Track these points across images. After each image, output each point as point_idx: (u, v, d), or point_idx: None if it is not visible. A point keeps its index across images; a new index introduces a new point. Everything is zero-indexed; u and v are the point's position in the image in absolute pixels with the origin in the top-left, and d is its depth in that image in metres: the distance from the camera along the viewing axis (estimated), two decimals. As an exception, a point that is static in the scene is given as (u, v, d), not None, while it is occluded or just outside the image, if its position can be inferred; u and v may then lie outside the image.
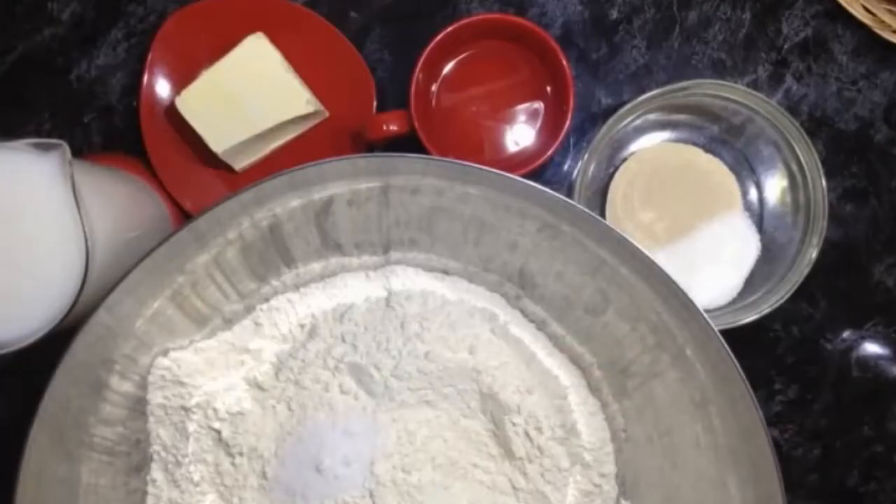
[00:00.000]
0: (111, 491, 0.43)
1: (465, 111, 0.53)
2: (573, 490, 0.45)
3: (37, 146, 0.41)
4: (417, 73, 0.50)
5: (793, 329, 0.56)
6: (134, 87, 0.55)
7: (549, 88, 0.53)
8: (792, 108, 0.55)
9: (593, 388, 0.47)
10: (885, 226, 0.55)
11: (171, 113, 0.52)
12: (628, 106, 0.50)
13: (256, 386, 0.44)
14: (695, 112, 0.54)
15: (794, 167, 0.52)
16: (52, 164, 0.41)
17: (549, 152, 0.50)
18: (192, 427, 0.43)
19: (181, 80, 0.53)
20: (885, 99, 0.55)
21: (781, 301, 0.50)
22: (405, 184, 0.42)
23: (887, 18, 0.54)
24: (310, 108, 0.52)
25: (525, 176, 0.43)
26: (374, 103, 0.54)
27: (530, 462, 0.44)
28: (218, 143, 0.51)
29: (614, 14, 0.55)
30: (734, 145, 0.54)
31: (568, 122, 0.50)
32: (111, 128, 0.56)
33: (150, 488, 0.43)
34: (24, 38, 0.55)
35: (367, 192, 0.42)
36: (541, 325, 0.47)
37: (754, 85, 0.55)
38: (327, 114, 0.55)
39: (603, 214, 0.54)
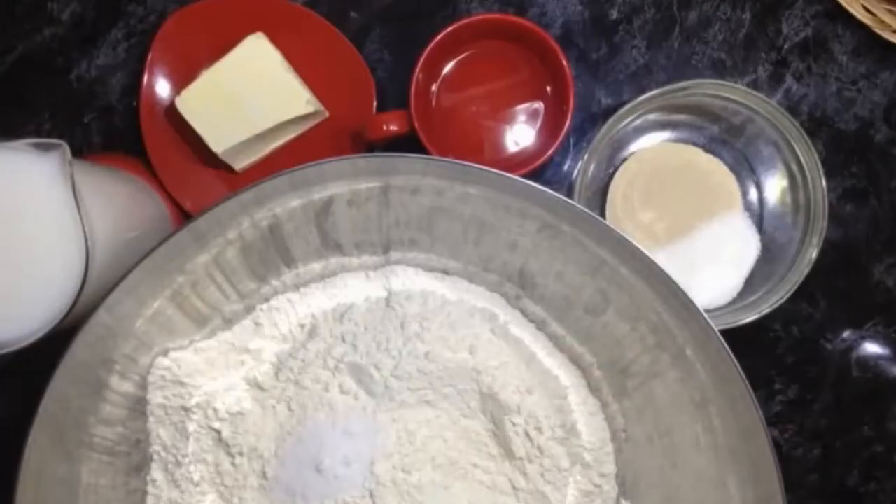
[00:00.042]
0: (111, 491, 0.43)
1: (465, 111, 0.53)
2: (573, 490, 0.45)
3: (37, 146, 0.41)
4: (417, 73, 0.50)
5: (793, 329, 0.56)
6: (134, 87, 0.55)
7: (549, 88, 0.53)
8: (792, 108, 0.55)
9: (593, 388, 0.47)
10: (885, 226, 0.55)
11: (171, 113, 0.52)
12: (628, 106, 0.50)
13: (256, 386, 0.44)
14: (695, 112, 0.54)
15: (794, 167, 0.52)
16: (52, 164, 0.41)
17: (549, 152, 0.50)
18: (192, 427, 0.43)
19: (181, 80, 0.53)
20: (885, 99, 0.55)
21: (781, 301, 0.50)
22: (405, 184, 0.42)
23: (887, 18, 0.54)
24: (310, 108, 0.52)
25: (525, 176, 0.43)
26: (374, 103, 0.54)
27: (530, 462, 0.44)
28: (218, 143, 0.51)
29: (614, 14, 0.55)
30: (734, 145, 0.54)
31: (568, 122, 0.50)
32: (111, 128, 0.56)
33: (150, 488, 0.43)
34: (24, 38, 0.55)
35: (367, 192, 0.42)
36: (541, 325, 0.47)
37: (754, 85, 0.55)
38: (327, 114, 0.55)
39: (603, 214, 0.54)
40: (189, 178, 0.54)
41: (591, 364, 0.46)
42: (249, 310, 0.46)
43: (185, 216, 0.54)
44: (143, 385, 0.43)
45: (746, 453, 0.41)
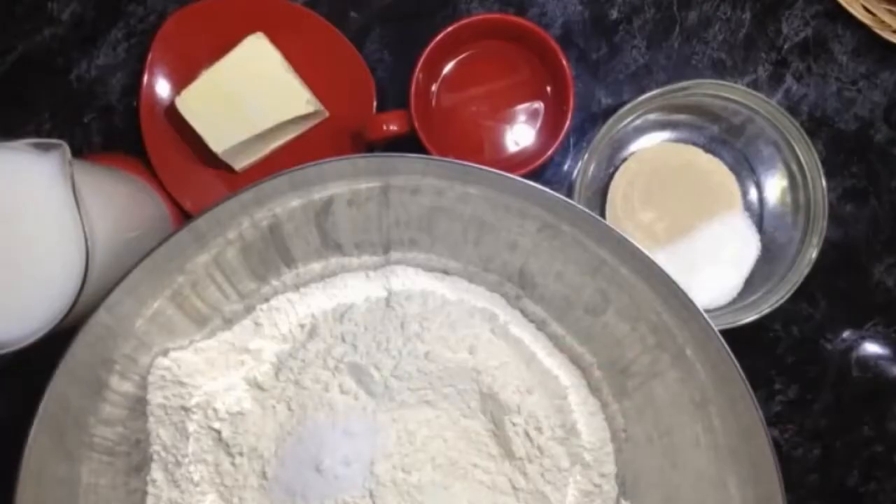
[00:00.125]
0: (111, 491, 0.43)
1: (465, 111, 0.53)
2: (573, 490, 0.45)
3: (37, 146, 0.41)
4: (417, 73, 0.50)
5: (793, 329, 0.56)
6: (134, 87, 0.55)
7: (549, 88, 0.53)
8: (792, 108, 0.55)
9: (593, 388, 0.47)
10: (885, 226, 0.55)
11: (171, 113, 0.52)
12: (628, 106, 0.50)
13: (256, 386, 0.44)
14: (695, 112, 0.54)
15: (794, 167, 0.52)
16: (52, 164, 0.41)
17: (549, 152, 0.50)
18: (192, 427, 0.43)
19: (181, 80, 0.53)
20: (885, 99, 0.55)
21: (781, 301, 0.50)
22: (405, 184, 0.42)
23: (887, 18, 0.54)
24: (310, 108, 0.52)
25: (525, 176, 0.43)
26: (374, 103, 0.54)
27: (530, 462, 0.44)
28: (218, 143, 0.51)
29: (614, 14, 0.55)
30: (734, 145, 0.54)
31: (568, 122, 0.50)
32: (111, 128, 0.56)
33: (150, 488, 0.43)
34: (24, 38, 0.55)
35: (367, 192, 0.42)
36: (541, 325, 0.47)
37: (754, 85, 0.55)
38: (327, 114, 0.55)
39: (603, 214, 0.54)
40: (189, 178, 0.54)
41: (591, 364, 0.46)
42: (249, 310, 0.46)
43: (185, 216, 0.54)
44: (143, 385, 0.43)
45: (746, 453, 0.41)
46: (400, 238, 0.45)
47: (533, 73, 0.52)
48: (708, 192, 0.54)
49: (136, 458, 0.44)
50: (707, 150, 0.54)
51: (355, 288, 0.46)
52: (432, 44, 0.50)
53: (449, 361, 0.43)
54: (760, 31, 0.55)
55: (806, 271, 0.50)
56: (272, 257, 0.44)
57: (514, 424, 0.43)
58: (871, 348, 0.56)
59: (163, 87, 0.54)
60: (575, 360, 0.47)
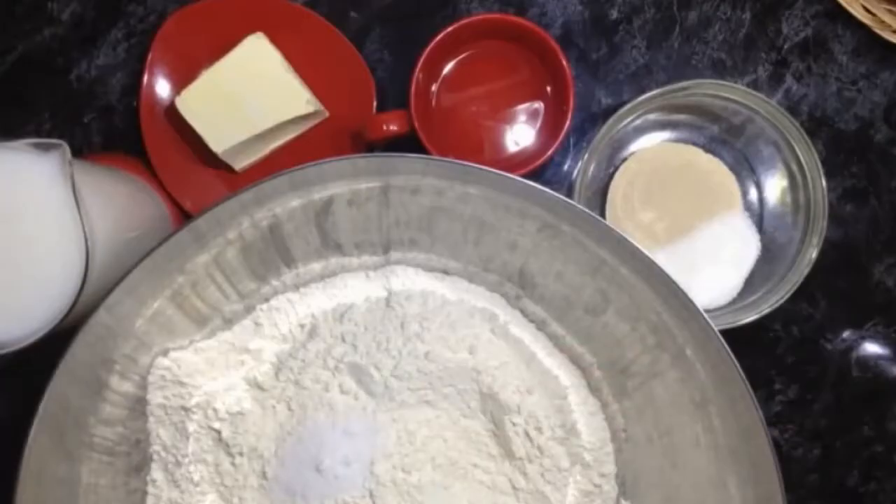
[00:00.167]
0: (111, 491, 0.43)
1: (465, 111, 0.53)
2: (573, 490, 0.45)
3: (37, 146, 0.41)
4: (417, 73, 0.50)
5: (793, 329, 0.56)
6: (134, 87, 0.55)
7: (549, 88, 0.53)
8: (792, 108, 0.55)
9: (593, 388, 0.47)
10: (885, 226, 0.55)
11: (171, 113, 0.52)
12: (628, 106, 0.50)
13: (256, 386, 0.44)
14: (695, 112, 0.54)
15: (794, 167, 0.52)
16: (52, 164, 0.41)
17: (549, 152, 0.50)
18: (192, 427, 0.43)
19: (181, 80, 0.53)
20: (885, 99, 0.55)
21: (781, 301, 0.50)
22: (405, 184, 0.42)
23: (887, 18, 0.54)
24: (310, 108, 0.52)
25: (525, 176, 0.43)
26: (374, 103, 0.54)
27: (530, 462, 0.44)
28: (218, 143, 0.51)
29: (614, 14, 0.55)
30: (734, 145, 0.54)
31: (568, 122, 0.50)
32: (111, 128, 0.56)
33: (150, 488, 0.43)
34: (24, 38, 0.55)
35: (367, 192, 0.42)
36: (541, 325, 0.47)
37: (754, 85, 0.55)
38: (327, 114, 0.55)
39: (603, 214, 0.54)
40: (189, 178, 0.54)
41: (591, 364, 0.46)
42: (249, 310, 0.46)
43: (185, 216, 0.54)
44: (143, 385, 0.43)
45: (746, 453, 0.41)
46: (400, 238, 0.45)
47: (533, 73, 0.52)
48: (708, 192, 0.54)
49: (136, 458, 0.44)
50: (707, 150, 0.54)
51: (355, 288, 0.46)
52: (432, 44, 0.50)
53: (449, 361, 0.43)
54: (760, 31, 0.55)
55: (806, 271, 0.50)
56: (272, 257, 0.44)
57: (514, 424, 0.43)
58: (871, 348, 0.56)
59: (163, 87, 0.54)
60: (575, 360, 0.47)
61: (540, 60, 0.52)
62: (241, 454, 0.43)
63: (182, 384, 0.43)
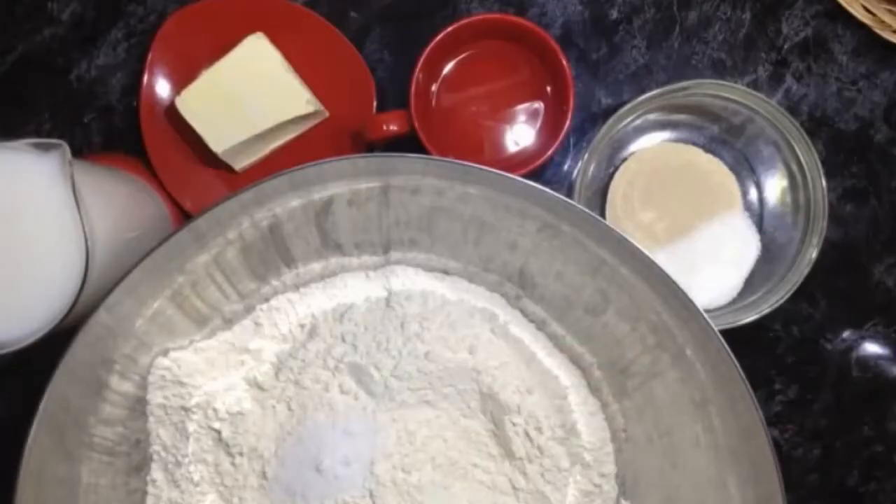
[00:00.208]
0: (111, 491, 0.43)
1: (465, 111, 0.53)
2: (573, 490, 0.45)
3: (37, 146, 0.41)
4: (417, 73, 0.50)
5: (793, 329, 0.56)
6: (134, 87, 0.55)
7: (549, 88, 0.53)
8: (792, 108, 0.55)
9: (593, 388, 0.47)
10: (885, 226, 0.55)
11: (171, 113, 0.52)
12: (628, 106, 0.50)
13: (256, 386, 0.44)
14: (695, 112, 0.54)
15: (794, 167, 0.52)
16: (52, 164, 0.41)
17: (549, 152, 0.50)
18: (192, 427, 0.43)
19: (181, 80, 0.53)
20: (885, 99, 0.55)
21: (781, 301, 0.50)
22: (405, 184, 0.42)
23: (887, 18, 0.54)
24: (310, 108, 0.52)
25: (525, 176, 0.43)
26: (374, 103, 0.54)
27: (530, 462, 0.44)
28: (218, 143, 0.51)
29: (614, 14, 0.55)
30: (734, 145, 0.54)
31: (568, 122, 0.50)
32: (111, 128, 0.56)
33: (150, 488, 0.43)
34: (24, 38, 0.55)
35: (367, 192, 0.42)
36: (541, 325, 0.47)
37: (754, 85, 0.55)
38: (327, 114, 0.55)
39: (603, 214, 0.54)
40: (189, 178, 0.54)
41: (591, 364, 0.46)
42: (249, 310, 0.46)
43: (185, 216, 0.54)
44: (143, 385, 0.43)
45: (746, 453, 0.41)
46: (400, 238, 0.45)
47: (533, 73, 0.52)
48: (708, 192, 0.54)
49: (136, 458, 0.44)
50: (707, 150, 0.54)
51: (355, 288, 0.46)
52: (432, 44, 0.50)
53: (449, 361, 0.43)
54: (760, 31, 0.55)
55: (806, 271, 0.50)
56: (272, 257, 0.44)
57: (514, 424, 0.43)
58: (871, 348, 0.56)
59: (163, 87, 0.54)
60: (575, 360, 0.47)
61: (540, 60, 0.52)
62: (241, 454, 0.43)
63: (182, 384, 0.43)
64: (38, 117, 0.55)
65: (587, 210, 0.40)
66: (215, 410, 0.43)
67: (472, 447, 0.45)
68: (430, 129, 0.50)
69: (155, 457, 0.43)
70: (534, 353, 0.46)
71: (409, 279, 0.46)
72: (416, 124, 0.50)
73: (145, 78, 0.53)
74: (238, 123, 0.51)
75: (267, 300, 0.46)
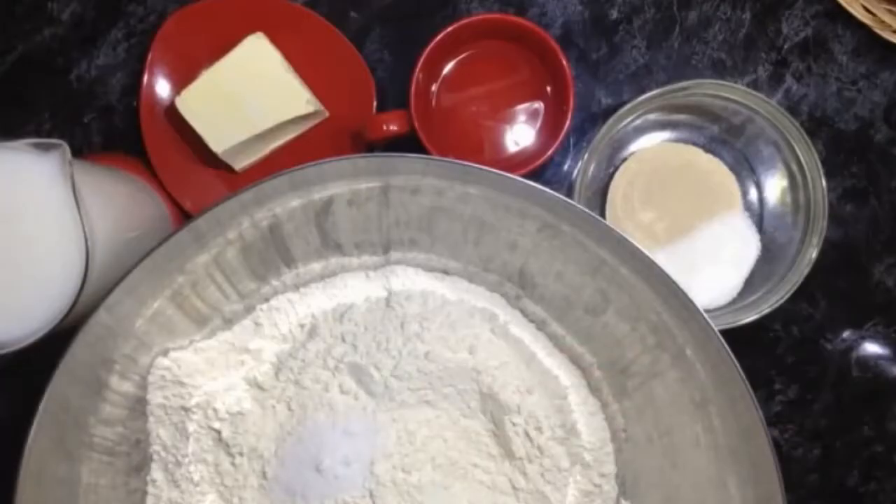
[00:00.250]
0: (111, 491, 0.43)
1: (465, 111, 0.53)
2: (573, 490, 0.45)
3: (37, 146, 0.41)
4: (417, 73, 0.50)
5: (793, 329, 0.56)
6: (134, 87, 0.55)
7: (549, 88, 0.53)
8: (792, 108, 0.55)
9: (593, 388, 0.47)
10: (885, 226, 0.55)
11: (171, 113, 0.52)
12: (628, 106, 0.50)
13: (256, 386, 0.44)
14: (695, 112, 0.54)
15: (794, 167, 0.52)
16: (52, 164, 0.41)
17: (549, 152, 0.50)
18: (192, 427, 0.43)
19: (181, 80, 0.53)
20: (885, 99, 0.55)
21: (781, 301, 0.50)
22: (405, 184, 0.42)
23: (887, 18, 0.54)
24: (310, 108, 0.52)
25: (525, 176, 0.43)
26: (374, 103, 0.54)
27: (530, 462, 0.44)
28: (218, 143, 0.51)
29: (614, 14, 0.55)
30: (734, 145, 0.54)
31: (568, 122, 0.50)
32: (111, 128, 0.56)
33: (150, 488, 0.43)
34: (24, 38, 0.55)
35: (367, 192, 0.42)
36: (541, 325, 0.47)
37: (754, 85, 0.55)
38: (327, 114, 0.55)
39: (603, 214, 0.54)
40: (189, 178, 0.54)
41: (591, 364, 0.46)
42: (249, 310, 0.46)
43: (185, 216, 0.54)
44: (143, 385, 0.43)
45: (746, 453, 0.41)
46: (400, 238, 0.45)
47: (533, 73, 0.52)
48: (708, 192, 0.54)
49: (136, 458, 0.44)
50: (707, 150, 0.54)
51: (355, 288, 0.46)
52: (432, 44, 0.50)
53: (449, 361, 0.43)
54: (760, 31, 0.55)
55: (806, 271, 0.50)
56: (272, 257, 0.44)
57: (514, 424, 0.43)
58: (871, 348, 0.56)
59: (163, 87, 0.54)
60: (575, 360, 0.47)
61: (540, 60, 0.52)
62: (241, 454, 0.43)
63: (182, 384, 0.43)
64: (38, 117, 0.55)
65: (587, 210, 0.40)
66: (215, 410, 0.43)
67: (472, 447, 0.45)
68: (430, 129, 0.50)
69: (155, 457, 0.43)
70: (534, 353, 0.46)
71: (409, 279, 0.46)
72: (416, 124, 0.50)
73: (145, 78, 0.53)
74: (238, 123, 0.51)
75: (267, 300, 0.46)
